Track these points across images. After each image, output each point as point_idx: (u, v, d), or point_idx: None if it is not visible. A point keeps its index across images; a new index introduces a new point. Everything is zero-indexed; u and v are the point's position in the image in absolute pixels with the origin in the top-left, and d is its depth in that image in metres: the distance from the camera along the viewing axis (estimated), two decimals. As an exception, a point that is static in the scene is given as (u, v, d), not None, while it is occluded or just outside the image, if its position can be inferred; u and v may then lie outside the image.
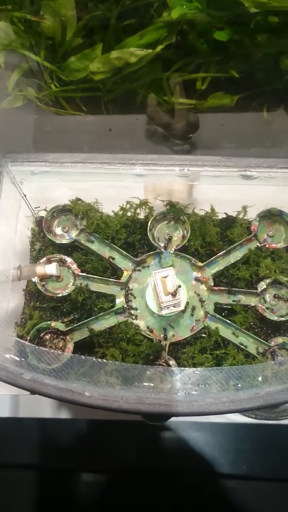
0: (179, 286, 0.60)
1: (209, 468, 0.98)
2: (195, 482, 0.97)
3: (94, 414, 0.91)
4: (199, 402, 0.51)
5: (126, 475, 0.97)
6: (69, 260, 0.66)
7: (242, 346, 0.62)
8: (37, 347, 0.56)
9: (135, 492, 0.96)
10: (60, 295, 0.64)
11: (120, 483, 0.96)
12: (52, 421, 0.92)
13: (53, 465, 0.95)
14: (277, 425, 0.97)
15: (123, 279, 0.66)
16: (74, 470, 0.95)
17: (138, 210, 0.69)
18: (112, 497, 0.94)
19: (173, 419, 0.96)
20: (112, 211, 0.69)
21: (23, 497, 0.94)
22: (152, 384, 0.54)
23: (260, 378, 0.53)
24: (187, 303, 0.64)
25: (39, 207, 0.70)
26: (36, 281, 0.64)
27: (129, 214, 0.69)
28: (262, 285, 0.64)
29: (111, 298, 0.65)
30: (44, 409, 0.92)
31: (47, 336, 0.63)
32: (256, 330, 0.64)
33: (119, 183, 0.64)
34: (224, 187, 0.65)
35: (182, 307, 0.62)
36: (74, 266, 0.66)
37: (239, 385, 0.52)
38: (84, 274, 0.65)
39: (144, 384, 0.54)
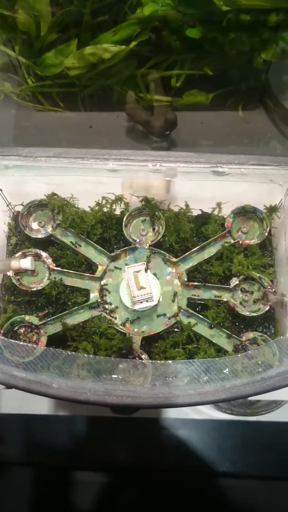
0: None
1: (193, 466, 0.98)
2: (179, 479, 0.97)
3: (90, 411, 0.91)
4: (165, 394, 0.51)
5: (110, 473, 0.97)
6: (44, 254, 0.66)
7: (213, 341, 0.62)
8: (7, 340, 0.56)
9: (117, 491, 0.97)
10: (35, 289, 0.65)
11: (105, 480, 0.97)
12: (49, 418, 0.92)
13: (49, 463, 0.95)
14: (258, 422, 0.98)
15: (98, 273, 0.66)
16: (69, 468, 0.95)
17: (114, 206, 0.69)
18: (98, 494, 0.95)
19: (158, 415, 0.96)
20: (89, 206, 0.69)
21: (17, 495, 0.94)
22: (120, 377, 0.54)
23: (226, 371, 0.53)
24: (160, 298, 0.64)
25: (11, 203, 0.70)
26: (11, 275, 0.65)
27: (105, 209, 0.69)
28: (234, 281, 0.65)
29: (86, 293, 0.65)
30: (40, 405, 0.92)
31: (21, 330, 0.63)
32: (229, 325, 0.64)
33: (94, 178, 0.64)
34: (198, 184, 0.65)
35: (155, 302, 0.62)
36: (49, 261, 0.66)
37: (206, 378, 0.53)
38: (59, 268, 0.66)
39: (114, 376, 0.54)
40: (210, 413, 0.96)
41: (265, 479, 0.98)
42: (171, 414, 0.97)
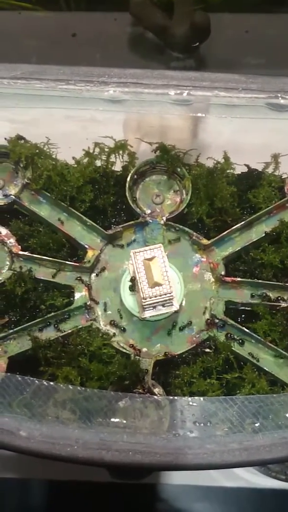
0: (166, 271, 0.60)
1: None
2: None
3: (53, 473, 0.92)
4: (195, 450, 0.51)
5: None
6: (4, 231, 0.67)
7: (265, 368, 0.62)
8: None
9: None
10: (-11, 284, 0.65)
11: None
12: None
13: None
14: None
15: (87, 262, 0.66)
16: None
17: (112, 158, 0.70)
18: None
19: (163, 479, 0.97)
20: (73, 157, 0.69)
21: None
22: (125, 421, 0.55)
23: (288, 415, 0.53)
24: (184, 300, 0.65)
25: None
26: None
27: (99, 163, 0.70)
28: (299, 276, 0.65)
29: (68, 291, 0.66)
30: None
31: None
32: (289, 344, 0.64)
33: (83, 113, 0.65)
34: (245, 124, 0.66)
35: (175, 307, 0.62)
36: (12, 241, 0.67)
37: (257, 424, 0.53)
38: (27, 253, 0.66)
39: (113, 420, 0.55)
40: (251, 478, 0.96)
41: None
42: (189, 479, 0.97)
